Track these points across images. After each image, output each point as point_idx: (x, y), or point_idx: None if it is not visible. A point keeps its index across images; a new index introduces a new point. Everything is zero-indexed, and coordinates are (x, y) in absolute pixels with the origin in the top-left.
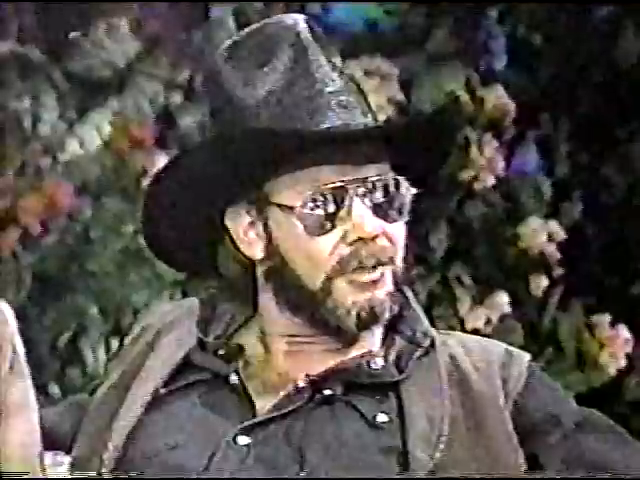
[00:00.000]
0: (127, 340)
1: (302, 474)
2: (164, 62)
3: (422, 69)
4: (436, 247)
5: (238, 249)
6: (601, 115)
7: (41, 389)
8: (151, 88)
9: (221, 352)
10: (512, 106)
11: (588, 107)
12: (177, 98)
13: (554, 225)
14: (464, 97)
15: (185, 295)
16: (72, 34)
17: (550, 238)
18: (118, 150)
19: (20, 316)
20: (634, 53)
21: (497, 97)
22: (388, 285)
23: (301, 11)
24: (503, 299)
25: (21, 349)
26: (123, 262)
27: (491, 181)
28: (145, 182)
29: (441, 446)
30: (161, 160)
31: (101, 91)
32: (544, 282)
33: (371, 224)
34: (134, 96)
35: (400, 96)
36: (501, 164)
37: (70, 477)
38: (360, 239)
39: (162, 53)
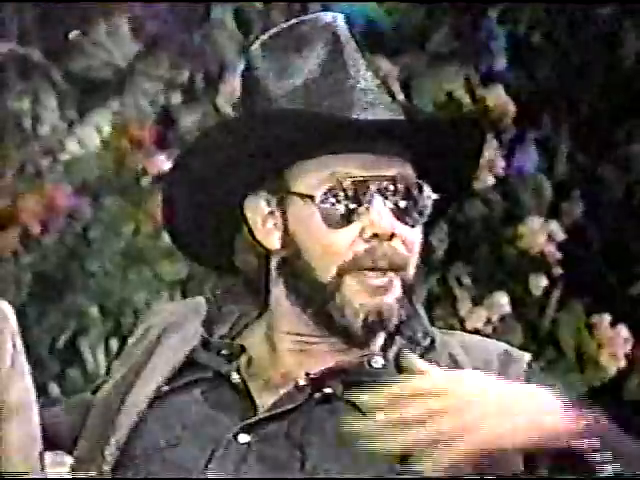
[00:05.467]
0: (131, 340)
1: (303, 472)
2: (164, 62)
3: (422, 69)
4: (436, 247)
5: (255, 239)
6: (601, 115)
7: (41, 389)
8: (151, 88)
9: (224, 352)
10: (512, 106)
11: (588, 107)
12: (177, 98)
13: (554, 225)
14: (464, 97)
15: (185, 295)
16: (72, 34)
17: (550, 238)
18: (118, 150)
19: (20, 316)
20: (634, 53)
21: (497, 97)
22: (397, 291)
23: (302, 11)
24: (503, 299)
25: (21, 348)
26: (123, 262)
27: (491, 181)
28: (145, 182)
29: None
30: (161, 160)
31: (101, 91)
32: (544, 282)
33: (388, 222)
34: (134, 96)
35: (400, 96)
36: (501, 164)
37: (70, 477)
38: (376, 236)
39: (162, 53)
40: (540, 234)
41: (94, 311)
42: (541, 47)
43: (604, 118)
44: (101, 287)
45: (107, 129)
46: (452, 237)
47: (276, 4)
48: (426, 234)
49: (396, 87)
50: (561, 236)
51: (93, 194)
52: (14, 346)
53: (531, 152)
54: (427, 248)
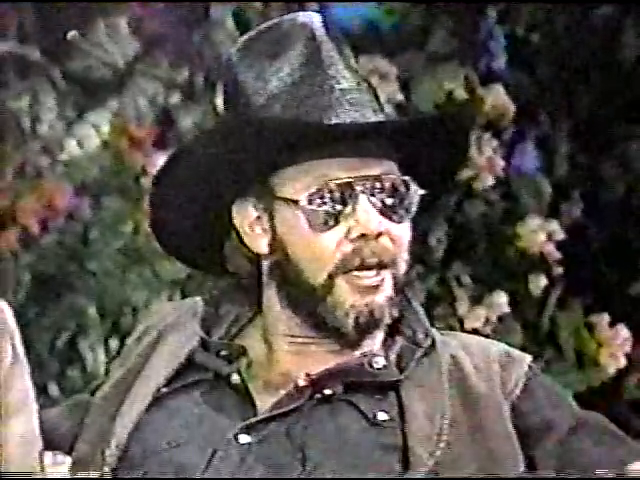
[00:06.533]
0: (129, 340)
1: (304, 473)
2: (164, 62)
3: (421, 69)
4: (435, 247)
5: (244, 244)
6: (600, 115)
7: (40, 389)
8: (150, 88)
9: (224, 352)
10: (511, 106)
11: (587, 107)
12: (176, 98)
13: (553, 225)
14: (463, 97)
15: (184, 295)
16: (71, 34)
17: (549, 238)
18: (117, 150)
19: (19, 316)
20: (634, 53)
21: (496, 97)
22: (388, 290)
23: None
24: (502, 299)
25: (21, 348)
26: (122, 262)
27: (490, 181)
28: (144, 182)
29: (441, 444)
30: (160, 160)
31: (100, 91)
32: (543, 282)
33: (375, 221)
34: (133, 96)
35: (399, 96)
36: (500, 164)
37: (70, 477)
38: (363, 236)
39: (162, 53)
40: (539, 234)
41: (94, 311)
42: (540, 47)
43: (604, 117)
44: (100, 287)
45: (106, 129)
46: (451, 237)
47: (275, 4)
48: (425, 234)
49: (395, 87)
50: (561, 236)
51: (92, 194)
52: (13, 346)
53: (530, 152)
54: (426, 248)
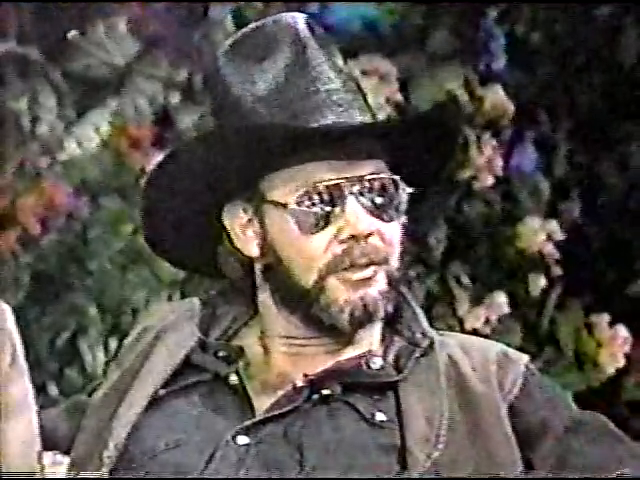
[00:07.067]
0: (127, 341)
1: (302, 473)
2: (163, 62)
3: (421, 69)
4: (435, 247)
5: (236, 247)
6: (600, 115)
7: (40, 389)
8: (150, 88)
9: (222, 353)
10: (511, 106)
11: (587, 107)
12: (176, 98)
13: (553, 225)
14: (463, 97)
15: (183, 295)
16: (71, 34)
17: (549, 238)
18: (117, 150)
19: (19, 316)
20: (634, 53)
21: (496, 97)
22: (381, 284)
23: (300, 11)
24: (502, 299)
25: (20, 349)
26: (122, 262)
27: (490, 181)
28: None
29: (440, 445)
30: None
31: (100, 91)
32: (543, 282)
33: (364, 222)
34: (133, 96)
35: (399, 96)
36: (500, 164)
37: (70, 477)
38: (353, 237)
39: (161, 53)
40: (539, 234)
41: (93, 311)
42: (540, 47)
43: (603, 117)
44: (100, 287)
45: (106, 129)
46: (451, 237)
47: (274, 4)
48: (425, 234)
49: (395, 87)
50: (560, 236)
51: (92, 194)
52: (13, 347)
53: (530, 151)
54: (426, 248)
